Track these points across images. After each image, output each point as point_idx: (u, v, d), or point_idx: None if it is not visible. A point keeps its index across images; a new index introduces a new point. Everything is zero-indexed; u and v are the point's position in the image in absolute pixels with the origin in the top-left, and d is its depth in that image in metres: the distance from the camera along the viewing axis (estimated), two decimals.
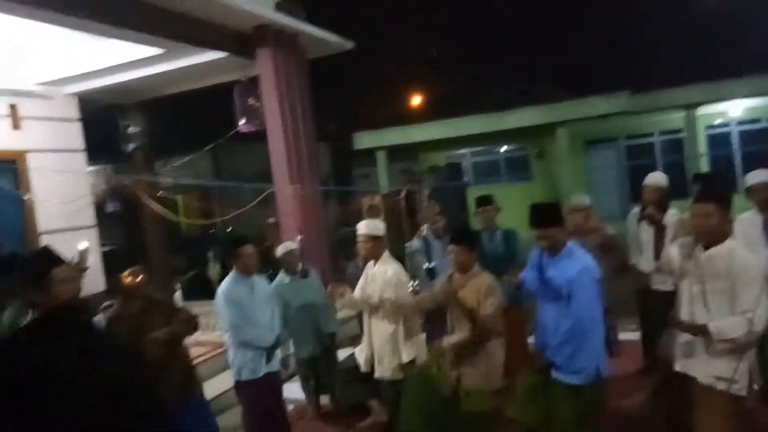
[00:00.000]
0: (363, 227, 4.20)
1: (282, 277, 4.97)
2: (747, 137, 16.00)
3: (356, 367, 4.36)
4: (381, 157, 16.27)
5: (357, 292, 4.25)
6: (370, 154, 16.71)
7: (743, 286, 2.98)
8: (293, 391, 5.17)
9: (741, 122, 15.98)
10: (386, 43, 18.27)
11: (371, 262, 4.22)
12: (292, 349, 4.86)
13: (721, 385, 3.06)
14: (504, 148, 17.24)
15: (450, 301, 3.76)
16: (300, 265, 4.80)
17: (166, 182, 9.57)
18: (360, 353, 4.33)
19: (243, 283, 4.19)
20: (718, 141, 16.22)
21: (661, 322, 4.50)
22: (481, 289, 3.67)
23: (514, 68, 15.78)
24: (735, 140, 16.10)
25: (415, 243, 4.89)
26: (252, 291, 4.22)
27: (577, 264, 3.32)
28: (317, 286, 5.03)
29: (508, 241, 5.04)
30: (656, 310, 4.68)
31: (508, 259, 4.92)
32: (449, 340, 3.73)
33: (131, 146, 8.77)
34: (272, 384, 4.26)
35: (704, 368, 3.12)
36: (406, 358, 4.05)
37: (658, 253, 3.78)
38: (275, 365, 4.27)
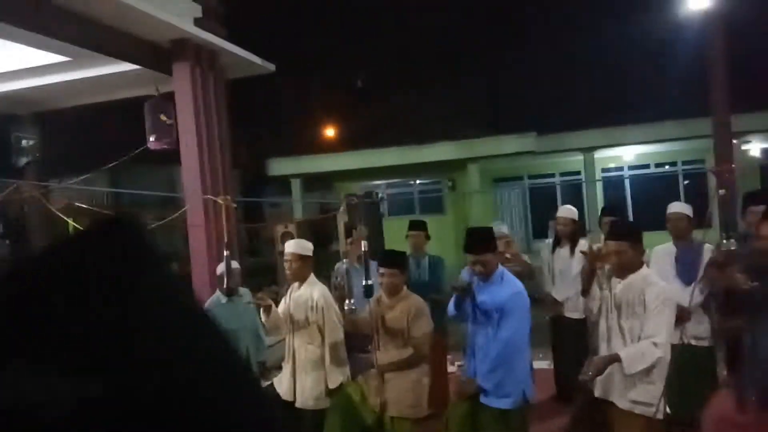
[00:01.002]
0: (291, 246, 4.04)
1: (218, 296, 4.67)
2: (637, 181, 17.44)
3: (276, 396, 4.11)
4: (296, 185, 16.05)
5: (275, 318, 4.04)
6: (284, 181, 16.43)
7: (651, 312, 3.14)
8: None
9: (632, 167, 17.41)
10: (308, 70, 18.28)
11: (295, 284, 4.04)
12: None
13: (638, 409, 3.16)
14: (418, 181, 17.62)
15: (377, 325, 3.67)
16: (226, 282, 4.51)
17: (59, 201, 8.83)
18: (279, 382, 4.08)
19: None
20: (613, 184, 17.55)
21: (573, 349, 4.66)
22: (410, 312, 3.61)
23: (430, 103, 16.26)
24: (627, 183, 17.48)
25: (345, 264, 4.72)
26: None
27: (510, 288, 3.36)
28: (250, 308, 4.77)
29: (434, 268, 5.05)
30: (568, 338, 4.84)
31: (434, 286, 4.94)
32: (382, 360, 3.62)
33: (23, 161, 8.03)
34: None
35: (622, 393, 3.21)
36: (332, 384, 3.86)
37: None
38: None
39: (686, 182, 17.01)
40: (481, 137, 14.59)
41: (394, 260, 3.80)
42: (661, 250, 4.59)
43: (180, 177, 7.52)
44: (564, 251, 5.08)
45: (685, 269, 4.32)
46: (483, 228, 3.74)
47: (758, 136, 15.13)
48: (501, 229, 5.03)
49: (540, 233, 15.67)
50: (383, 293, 3.76)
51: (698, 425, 4.17)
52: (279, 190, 18.01)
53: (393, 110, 16.53)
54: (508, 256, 4.75)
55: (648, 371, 3.16)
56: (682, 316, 4.31)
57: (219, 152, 6.93)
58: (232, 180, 7.33)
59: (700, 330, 4.22)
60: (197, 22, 6.81)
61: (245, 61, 7.37)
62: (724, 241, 3.71)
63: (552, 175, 17.93)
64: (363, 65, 19.48)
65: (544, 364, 5.82)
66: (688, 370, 4.27)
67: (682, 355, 4.31)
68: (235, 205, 6.54)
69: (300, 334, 3.90)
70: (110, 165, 7.95)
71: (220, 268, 4.69)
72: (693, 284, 4.25)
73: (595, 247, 3.54)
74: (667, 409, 3.25)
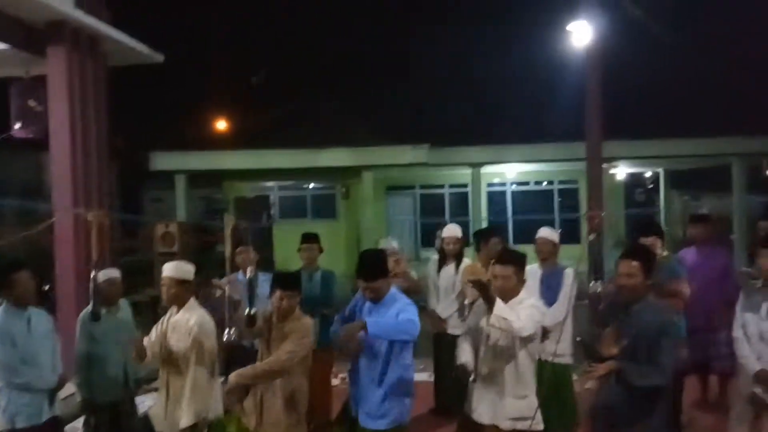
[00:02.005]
0: (169, 269, 3.69)
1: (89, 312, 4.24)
2: (518, 196, 18.56)
3: (152, 428, 3.82)
4: (180, 182, 15.16)
5: (151, 341, 3.74)
6: (167, 177, 15.50)
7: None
8: None
9: (514, 183, 18.49)
10: (200, 62, 17.46)
11: (173, 308, 3.75)
12: (76, 391, 4.19)
13: (519, 425, 3.29)
14: (312, 185, 17.43)
15: (264, 348, 3.52)
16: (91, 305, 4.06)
17: None
18: (155, 412, 3.79)
19: (17, 316, 3.64)
20: (496, 198, 18.53)
21: (453, 364, 4.79)
22: (297, 333, 3.50)
23: (327, 107, 16.16)
24: (509, 198, 18.54)
25: (225, 282, 4.47)
26: (29, 325, 3.66)
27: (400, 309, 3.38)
28: (129, 322, 4.39)
29: (326, 282, 4.97)
30: (449, 354, 4.97)
31: (325, 300, 4.87)
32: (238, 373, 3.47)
33: None
34: (55, 430, 3.80)
35: (502, 413, 3.33)
36: (183, 423, 3.54)
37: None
38: (57, 409, 3.81)
39: (560, 199, 18.41)
40: (377, 146, 14.75)
41: (293, 282, 3.67)
42: (527, 271, 4.85)
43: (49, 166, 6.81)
44: (449, 269, 5.23)
45: (549, 291, 4.59)
46: (375, 253, 3.72)
47: (624, 162, 16.68)
48: (392, 245, 5.10)
49: (428, 242, 16.16)
50: (275, 315, 3.61)
51: None
52: (160, 184, 17.00)
53: (289, 112, 16.23)
54: (394, 275, 4.81)
55: (522, 385, 3.32)
56: (541, 335, 4.62)
57: (95, 149, 6.38)
58: (109, 179, 6.77)
59: (557, 348, 4.44)
60: (78, 2, 6.24)
61: (130, 48, 6.88)
62: (592, 283, 3.99)
63: (442, 186, 18.57)
64: (260, 63, 18.99)
65: (424, 375, 5.95)
66: (546, 386, 4.57)
67: (541, 372, 4.61)
68: (108, 221, 5.95)
69: (173, 363, 3.61)
70: None
71: (101, 276, 4.27)
72: (552, 306, 4.56)
73: (484, 278, 3.61)
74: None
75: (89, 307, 4.10)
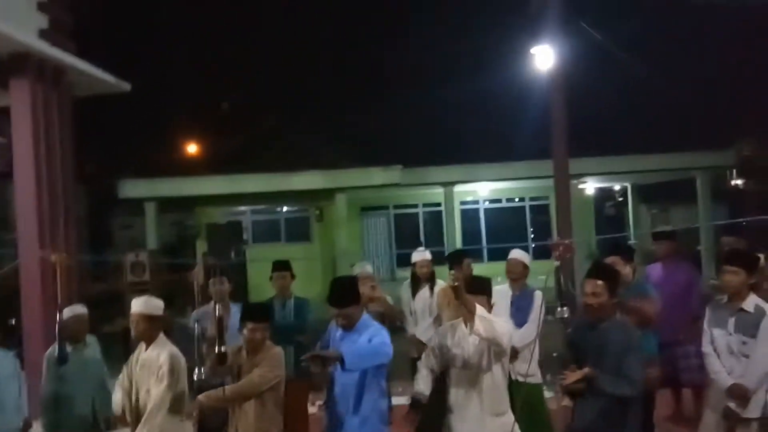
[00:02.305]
0: (138, 305, 3.62)
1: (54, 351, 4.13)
2: (491, 214, 18.77)
3: None
4: (150, 209, 14.93)
5: (121, 381, 3.67)
6: (137, 204, 15.27)
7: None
8: None
9: (487, 200, 18.71)
10: (167, 88, 17.34)
11: (142, 345, 3.68)
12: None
13: None
14: (285, 209, 17.35)
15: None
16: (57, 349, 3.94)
17: None
18: None
19: None
20: (470, 215, 18.71)
21: (434, 388, 4.79)
22: (268, 361, 3.47)
23: (298, 131, 16.19)
24: (482, 216, 18.74)
25: (198, 315, 4.39)
26: None
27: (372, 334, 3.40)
28: (97, 359, 4.27)
29: (299, 310, 4.93)
30: None
31: (299, 328, 4.83)
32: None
33: None
34: None
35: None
36: None
37: None
38: None
39: (532, 215, 18.68)
40: (349, 168, 14.80)
41: (263, 313, 3.64)
42: (498, 291, 4.90)
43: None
44: (424, 292, 5.24)
45: (518, 312, 4.67)
46: (347, 279, 3.72)
47: (592, 178, 17.03)
48: (366, 269, 5.08)
49: (404, 261, 16.12)
50: (245, 349, 3.56)
51: None
52: (130, 210, 16.74)
53: (260, 136, 16.22)
54: (370, 299, 4.81)
55: (499, 401, 3.37)
56: (510, 356, 4.67)
57: (60, 179, 6.27)
58: (76, 210, 6.65)
59: (527, 369, 4.48)
60: (42, 34, 6.18)
61: (96, 78, 6.83)
62: (559, 309, 4.06)
63: (415, 206, 18.68)
64: (230, 88, 18.96)
65: (402, 399, 5.92)
66: (519, 405, 4.61)
67: (513, 391, 4.65)
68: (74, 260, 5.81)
69: (144, 402, 3.53)
70: None
71: (67, 312, 4.16)
72: (523, 327, 4.62)
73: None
74: None
75: (55, 346, 3.99)
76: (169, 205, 15.59)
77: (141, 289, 10.00)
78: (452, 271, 5.07)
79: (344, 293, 3.40)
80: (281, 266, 4.98)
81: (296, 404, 4.55)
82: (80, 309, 4.21)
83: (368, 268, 5.12)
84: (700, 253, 14.51)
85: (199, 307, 4.54)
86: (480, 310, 3.16)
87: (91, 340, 4.30)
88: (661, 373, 4.51)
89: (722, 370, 3.57)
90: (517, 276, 4.77)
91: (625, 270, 4.28)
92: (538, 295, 4.69)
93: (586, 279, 3.29)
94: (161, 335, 3.65)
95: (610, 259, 4.28)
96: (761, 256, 4.05)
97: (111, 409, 4.32)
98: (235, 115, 18.70)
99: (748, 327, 3.48)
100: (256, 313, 3.61)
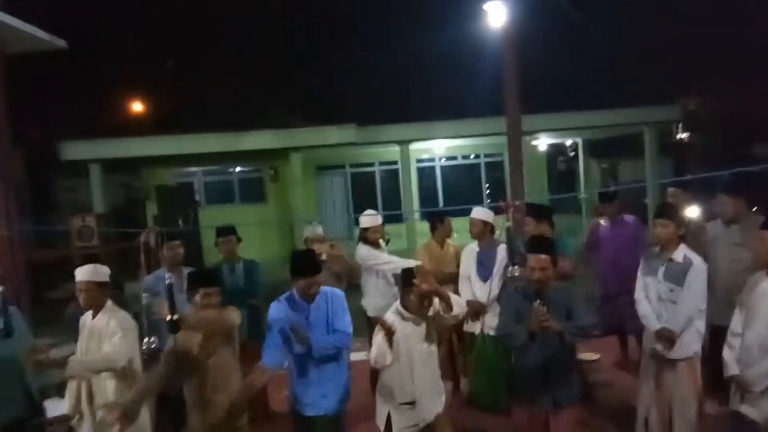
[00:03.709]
0: (83, 273, 3.51)
1: None
2: (447, 171, 18.90)
3: None
4: (95, 171, 14.33)
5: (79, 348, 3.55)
6: (81, 166, 14.64)
7: None
8: None
9: (443, 158, 18.79)
10: (110, 45, 16.48)
11: (89, 313, 3.57)
12: None
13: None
14: (238, 169, 16.98)
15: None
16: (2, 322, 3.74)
17: None
18: (80, 424, 3.60)
19: None
20: (426, 173, 18.78)
21: None
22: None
23: (252, 89, 15.72)
24: (438, 173, 18.84)
25: (150, 281, 4.24)
26: None
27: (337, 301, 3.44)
28: (22, 332, 4.08)
29: (249, 272, 4.86)
30: None
31: (250, 291, 4.77)
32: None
33: None
34: None
35: (439, 401, 3.56)
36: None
37: None
38: None
39: (487, 172, 18.91)
40: (303, 127, 14.52)
41: (212, 278, 3.59)
42: (467, 249, 4.99)
43: None
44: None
45: (484, 268, 4.80)
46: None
47: (544, 134, 17.29)
48: (317, 230, 5.03)
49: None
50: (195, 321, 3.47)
51: (497, 406, 4.69)
52: (74, 173, 16.06)
53: (209, 95, 15.68)
54: (324, 257, 4.81)
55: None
56: (479, 311, 4.78)
57: None
58: (13, 174, 6.31)
59: (495, 322, 4.66)
60: None
61: (29, 35, 6.40)
62: (510, 268, 4.17)
63: (372, 164, 18.60)
64: (175, 45, 18.14)
65: (362, 355, 6.00)
66: (487, 358, 4.76)
67: (479, 344, 4.80)
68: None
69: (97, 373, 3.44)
70: None
71: None
72: (488, 281, 4.73)
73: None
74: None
75: None
76: (115, 167, 15.02)
77: (90, 254, 9.68)
78: (436, 231, 5.16)
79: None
80: (226, 231, 4.88)
81: (251, 363, 4.55)
82: None
83: (319, 229, 5.06)
84: (647, 206, 15.04)
85: (150, 272, 4.39)
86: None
87: (13, 311, 4.06)
88: (608, 322, 4.72)
89: (652, 315, 3.78)
90: (478, 234, 4.84)
91: (544, 229, 4.45)
92: (501, 249, 4.75)
93: (531, 254, 3.37)
94: (109, 302, 3.55)
95: (530, 226, 4.42)
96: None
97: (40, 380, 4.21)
98: (183, 72, 17.98)
99: (676, 276, 3.67)
100: (205, 278, 3.56)
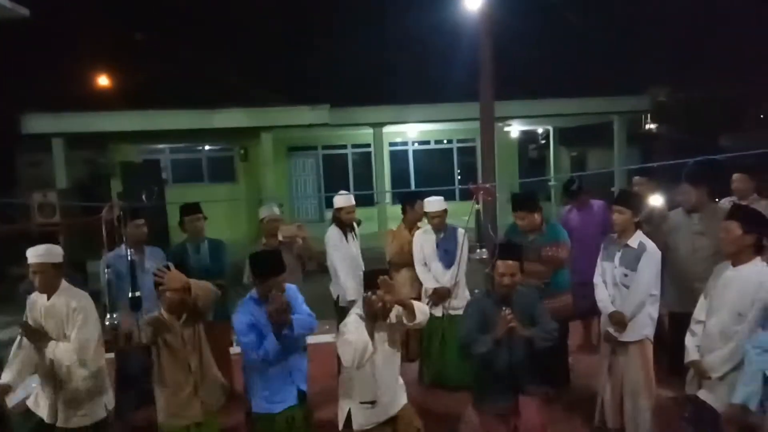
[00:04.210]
0: (36, 254, 3.35)
1: None
2: (419, 156, 18.90)
3: (39, 421, 3.50)
4: (58, 146, 13.90)
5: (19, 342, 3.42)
6: (44, 140, 14.17)
7: None
8: None
9: (415, 142, 18.77)
10: (76, 15, 15.85)
11: (43, 297, 3.43)
12: None
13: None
14: (207, 147, 16.67)
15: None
16: None
17: None
18: (37, 403, 3.49)
19: None
20: (399, 157, 18.76)
21: None
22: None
23: (223, 66, 15.37)
24: (411, 157, 18.83)
25: (111, 258, 4.11)
26: None
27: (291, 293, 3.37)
28: None
29: (215, 251, 4.77)
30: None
31: (215, 270, 4.69)
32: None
33: None
34: None
35: (401, 396, 3.56)
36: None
37: None
38: None
39: (459, 157, 18.99)
40: (275, 107, 14.29)
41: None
42: (422, 236, 4.99)
43: None
44: (347, 244, 5.14)
45: (446, 254, 4.86)
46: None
47: (517, 121, 17.40)
48: (273, 210, 4.95)
49: (332, 203, 15.83)
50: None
51: (463, 384, 4.73)
52: (37, 147, 15.54)
53: (178, 70, 15.27)
54: (281, 238, 4.79)
55: None
56: (444, 295, 4.82)
57: None
58: None
59: (456, 303, 4.84)
60: None
61: None
62: (478, 250, 4.20)
63: (344, 146, 18.48)
64: (146, 16, 17.59)
65: (328, 337, 5.99)
66: (447, 337, 4.82)
67: (444, 325, 4.85)
68: None
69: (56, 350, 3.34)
70: None
71: None
72: (452, 267, 4.76)
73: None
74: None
75: None
76: (79, 142, 14.57)
77: (51, 231, 9.41)
78: (406, 215, 5.16)
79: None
80: (193, 209, 4.77)
81: (218, 347, 4.50)
82: None
83: (275, 210, 4.98)
84: (614, 194, 15.34)
85: (112, 249, 4.27)
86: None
87: None
88: (577, 307, 4.81)
89: (607, 298, 3.90)
90: (439, 224, 4.89)
91: (536, 219, 4.45)
92: (461, 233, 4.86)
93: (500, 260, 3.41)
94: (63, 281, 3.44)
95: (524, 220, 4.44)
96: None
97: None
98: (152, 46, 17.46)
99: (631, 261, 3.79)
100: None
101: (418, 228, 5.14)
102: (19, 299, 4.03)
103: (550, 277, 4.42)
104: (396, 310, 3.33)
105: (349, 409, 3.37)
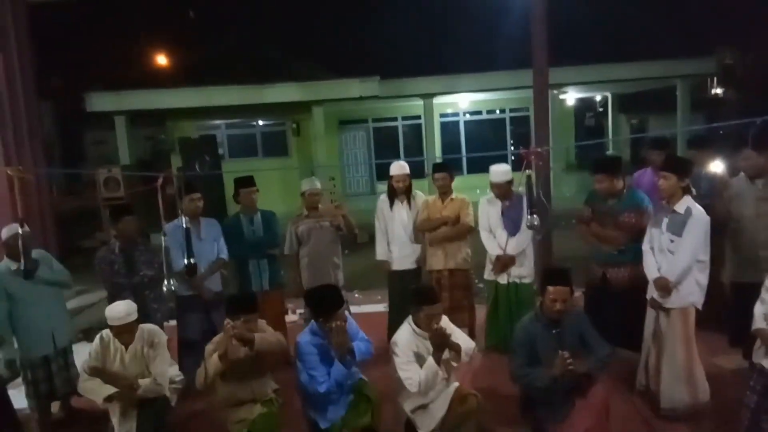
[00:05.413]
0: (117, 317, 3.47)
1: (7, 264, 4.06)
2: (471, 126, 18.62)
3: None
4: (120, 123, 14.48)
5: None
6: (107, 118, 14.79)
7: None
8: (13, 397, 4.32)
9: (467, 113, 18.48)
10: None
11: (116, 341, 3.60)
12: (16, 348, 4.11)
13: None
14: (261, 123, 16.98)
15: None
16: (23, 264, 3.86)
17: None
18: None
19: None
20: (449, 128, 18.55)
21: (405, 297, 4.93)
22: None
23: (274, 42, 15.52)
24: (462, 128, 18.59)
25: (169, 228, 4.17)
26: None
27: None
28: (60, 273, 4.24)
29: (267, 223, 4.91)
30: (400, 287, 5.12)
31: (269, 241, 4.84)
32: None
33: None
34: None
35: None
36: None
37: None
38: None
39: (512, 127, 18.60)
40: (325, 80, 14.36)
41: (251, 303, 3.50)
42: (487, 203, 4.96)
43: None
44: (401, 206, 5.18)
45: (510, 222, 4.84)
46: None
47: (572, 88, 16.83)
48: (315, 184, 5.03)
49: (383, 175, 15.92)
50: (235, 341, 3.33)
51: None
52: (101, 125, 16.27)
53: (232, 48, 15.52)
54: (319, 208, 4.92)
55: None
56: (507, 262, 4.81)
57: (22, 93, 5.99)
58: (40, 124, 6.40)
59: (521, 271, 4.86)
60: None
61: None
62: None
63: (395, 119, 18.42)
64: None
65: (380, 307, 6.10)
66: (512, 304, 4.83)
67: (508, 292, 4.86)
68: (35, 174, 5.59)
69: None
70: None
71: (6, 231, 4.07)
72: (517, 234, 4.74)
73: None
74: None
75: (4, 262, 4.00)
76: (140, 119, 15.15)
77: (116, 204, 9.91)
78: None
79: (339, 294, 3.37)
80: (248, 182, 4.89)
81: (273, 313, 4.68)
82: (17, 228, 3.98)
83: (317, 184, 5.07)
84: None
85: (170, 221, 4.46)
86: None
87: (40, 255, 4.15)
88: None
89: (653, 265, 3.83)
90: (502, 194, 4.86)
91: (616, 184, 4.33)
92: (524, 201, 4.71)
93: (551, 286, 3.36)
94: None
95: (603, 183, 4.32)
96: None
97: (69, 329, 4.37)
98: (207, 24, 17.83)
99: (677, 227, 3.68)
100: (244, 303, 3.44)
101: (451, 199, 5.09)
102: (98, 264, 4.31)
103: (626, 244, 4.28)
104: (444, 353, 3.33)
105: (407, 419, 3.46)
